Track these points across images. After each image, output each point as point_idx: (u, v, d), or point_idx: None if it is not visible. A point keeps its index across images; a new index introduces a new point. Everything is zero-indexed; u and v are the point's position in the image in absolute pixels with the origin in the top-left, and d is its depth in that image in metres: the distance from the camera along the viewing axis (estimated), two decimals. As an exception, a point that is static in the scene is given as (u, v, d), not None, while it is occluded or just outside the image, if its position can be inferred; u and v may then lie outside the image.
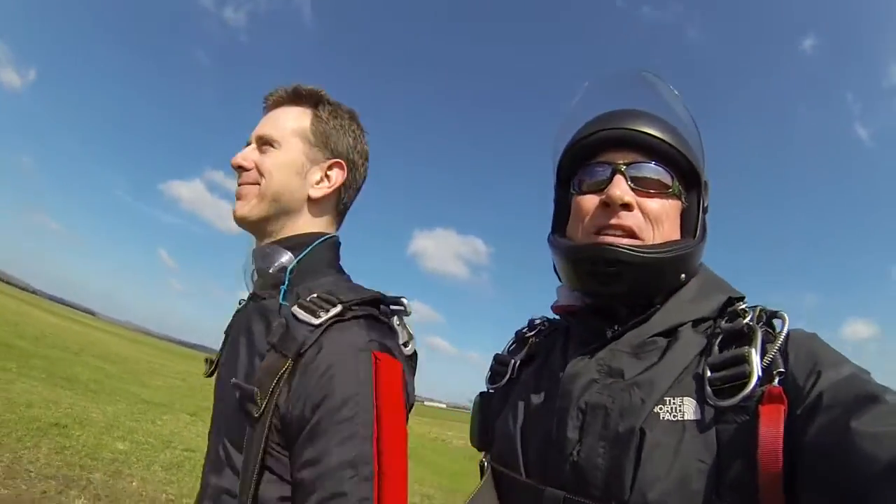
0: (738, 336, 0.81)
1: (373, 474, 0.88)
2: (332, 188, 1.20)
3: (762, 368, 0.74)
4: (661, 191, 0.92)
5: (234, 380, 1.01)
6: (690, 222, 0.96)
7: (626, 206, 0.89)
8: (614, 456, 0.77)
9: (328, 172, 1.20)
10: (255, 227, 1.17)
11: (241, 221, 1.16)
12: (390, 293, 1.12)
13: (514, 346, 1.16)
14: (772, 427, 0.68)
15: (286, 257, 1.12)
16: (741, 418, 0.73)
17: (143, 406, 11.09)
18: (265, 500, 0.92)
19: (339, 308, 0.98)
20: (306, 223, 1.18)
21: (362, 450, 0.89)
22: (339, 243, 1.24)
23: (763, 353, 0.76)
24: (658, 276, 0.90)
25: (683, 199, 0.96)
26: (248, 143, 1.20)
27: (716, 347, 0.82)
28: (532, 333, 1.14)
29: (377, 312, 1.05)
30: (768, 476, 0.66)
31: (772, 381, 0.73)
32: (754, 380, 0.73)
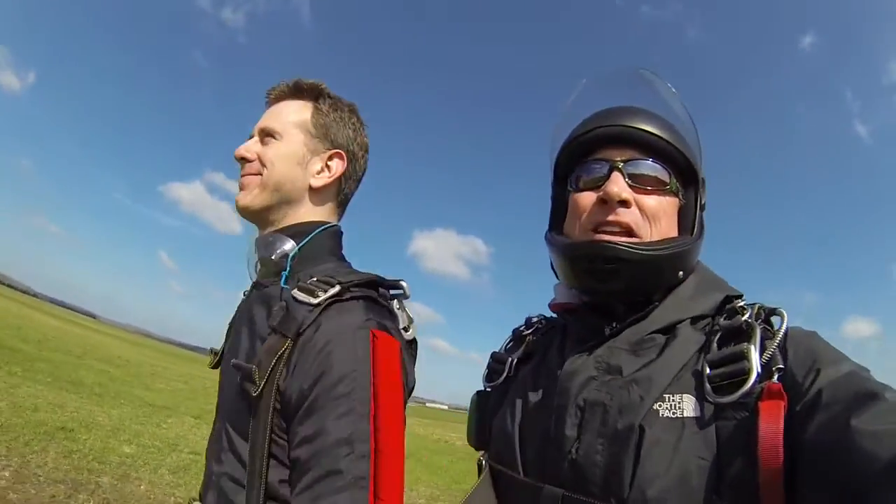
0: (736, 333, 0.82)
1: (369, 452, 0.88)
2: (333, 178, 1.23)
3: (761, 365, 0.74)
4: (658, 188, 0.93)
5: (234, 360, 1.03)
6: (688, 219, 0.97)
7: (624, 203, 0.90)
8: (613, 453, 0.78)
9: (328, 163, 1.23)
10: (258, 216, 1.20)
11: (244, 211, 1.19)
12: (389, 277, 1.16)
13: (511, 344, 1.17)
14: (772, 423, 0.68)
15: (289, 245, 1.14)
16: (741, 415, 0.73)
17: (147, 409, 11.16)
18: (268, 485, 0.94)
19: (337, 288, 1.01)
20: (308, 212, 1.22)
21: (358, 427, 0.89)
22: (342, 232, 1.28)
23: (762, 350, 0.77)
24: (656, 273, 0.91)
25: (681, 197, 0.97)
26: (251, 136, 1.24)
27: (714, 344, 0.82)
28: (529, 332, 1.15)
29: (376, 294, 1.08)
30: (769, 473, 0.67)
31: (771, 377, 0.73)
32: (753, 376, 0.73)
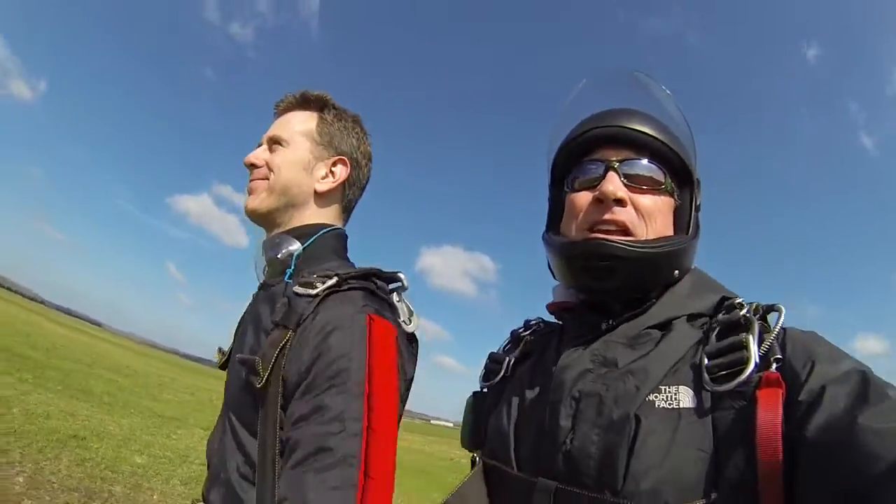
0: (734, 326, 0.83)
1: (361, 431, 0.90)
2: (337, 183, 1.30)
3: (759, 356, 0.75)
4: (653, 187, 0.96)
5: (239, 355, 1.08)
6: (684, 219, 1.00)
7: (620, 202, 0.92)
8: (608, 444, 0.78)
9: (333, 169, 1.30)
10: (265, 218, 1.27)
11: (252, 214, 1.27)
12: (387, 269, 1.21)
13: (509, 345, 1.18)
14: (770, 411, 0.69)
15: (294, 245, 1.20)
16: (738, 404, 0.74)
17: (157, 420, 11.32)
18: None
19: (335, 280, 1.07)
20: (313, 215, 1.28)
21: (351, 406, 0.91)
22: (346, 236, 1.34)
23: (760, 342, 0.77)
24: (651, 271, 0.93)
25: (676, 197, 0.99)
26: (260, 145, 1.32)
27: (713, 338, 0.83)
28: (528, 333, 1.16)
29: (374, 287, 1.12)
30: (767, 464, 0.68)
31: (769, 367, 0.74)
32: (752, 365, 0.74)
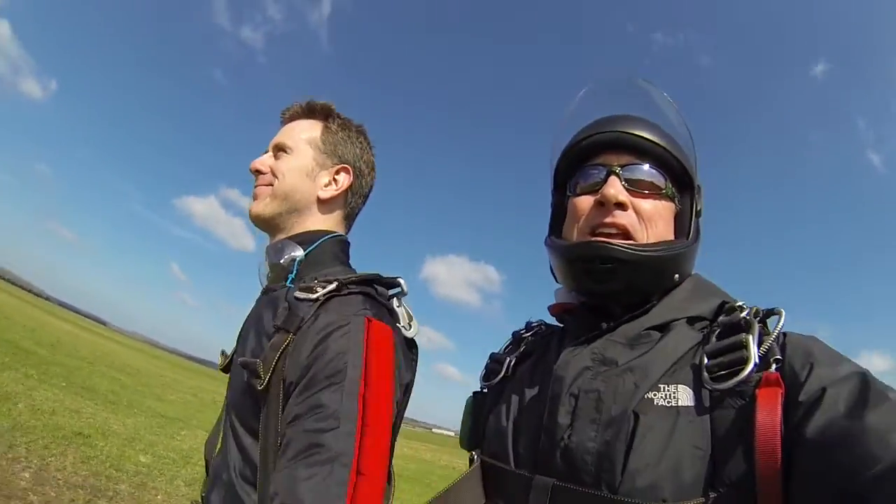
0: (735, 328, 0.84)
1: (355, 430, 0.91)
2: (340, 191, 1.34)
3: (759, 356, 0.76)
4: (654, 192, 0.98)
5: (240, 359, 1.10)
6: (684, 225, 1.02)
7: (621, 206, 0.95)
8: (606, 440, 0.79)
9: (336, 176, 1.35)
10: (269, 223, 1.31)
11: (256, 218, 1.31)
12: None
13: (510, 346, 1.21)
14: (769, 410, 0.70)
15: (297, 251, 1.24)
16: (738, 403, 0.75)
17: (160, 420, 11.37)
18: None
19: (335, 285, 1.10)
20: (315, 221, 1.32)
21: (346, 405, 0.93)
22: (348, 242, 1.37)
23: (760, 343, 0.78)
24: (652, 274, 0.95)
25: (677, 202, 1.02)
26: (266, 152, 1.37)
27: (713, 338, 0.85)
28: (529, 334, 1.19)
29: (374, 292, 1.15)
30: (766, 462, 0.68)
31: (768, 367, 0.75)
32: (751, 364, 0.75)
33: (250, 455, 1.03)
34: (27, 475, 5.25)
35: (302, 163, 1.32)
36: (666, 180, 0.99)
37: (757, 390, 0.73)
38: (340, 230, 1.37)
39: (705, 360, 0.81)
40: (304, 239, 1.27)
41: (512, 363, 1.11)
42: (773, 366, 0.75)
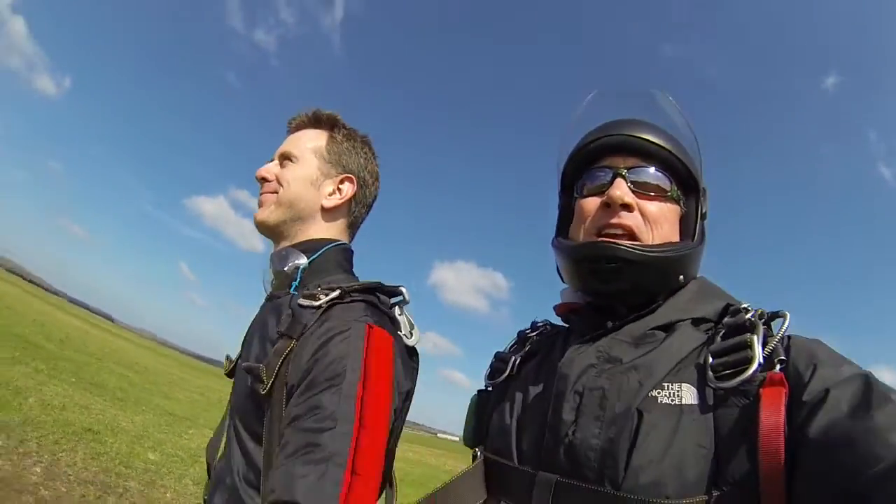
0: (740, 329, 0.86)
1: (351, 431, 0.93)
2: (343, 200, 1.38)
3: (763, 356, 0.78)
4: (660, 194, 1.00)
5: (244, 364, 1.13)
6: (689, 227, 1.04)
7: (627, 207, 0.97)
8: (610, 437, 0.80)
9: (339, 186, 1.38)
10: (273, 231, 1.35)
11: (261, 226, 1.35)
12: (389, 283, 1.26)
13: (515, 345, 1.22)
14: (773, 410, 0.71)
15: (301, 259, 1.27)
16: (742, 402, 0.76)
17: (168, 418, 11.50)
18: None
19: (338, 292, 1.13)
20: (319, 229, 1.35)
21: (343, 407, 0.95)
22: (352, 251, 1.41)
23: (764, 344, 0.80)
24: (657, 275, 0.97)
25: (682, 205, 1.04)
26: (272, 160, 1.40)
27: (718, 338, 0.87)
28: (534, 334, 1.21)
29: (376, 300, 1.18)
30: (769, 461, 0.69)
31: (773, 368, 0.76)
32: (755, 364, 0.76)
33: (254, 459, 1.06)
34: (38, 470, 5.35)
35: (307, 172, 1.35)
36: (671, 183, 1.02)
37: (761, 390, 0.74)
38: (344, 238, 1.40)
39: (710, 360, 0.83)
40: (307, 247, 1.30)
41: (517, 362, 1.13)
42: (778, 366, 0.77)
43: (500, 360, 1.17)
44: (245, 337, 1.33)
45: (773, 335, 0.81)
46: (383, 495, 1.19)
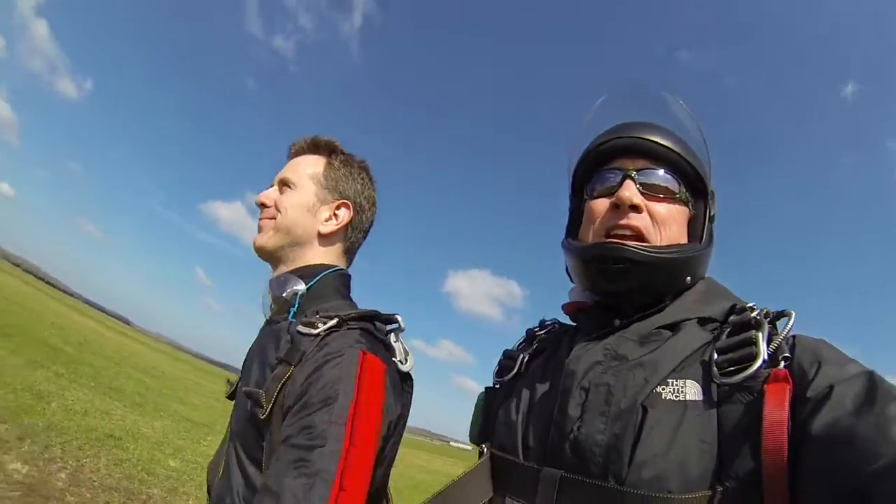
0: (745, 326, 0.87)
1: (340, 451, 0.97)
2: (340, 226, 1.42)
3: (768, 353, 0.79)
4: (668, 196, 1.02)
5: (244, 388, 1.18)
6: (698, 229, 1.06)
7: (635, 208, 0.99)
8: (615, 432, 0.82)
9: (336, 212, 1.43)
10: (271, 256, 1.40)
11: (259, 250, 1.40)
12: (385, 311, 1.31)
13: (523, 343, 1.25)
14: (777, 406, 0.72)
15: (299, 285, 1.31)
16: (746, 398, 0.78)
17: (186, 424, 11.74)
18: None
19: (335, 321, 1.16)
20: (316, 255, 1.40)
21: (333, 428, 0.99)
22: (349, 276, 1.45)
23: (769, 341, 0.81)
24: (665, 276, 0.99)
25: (691, 207, 1.06)
26: (272, 185, 1.46)
27: (724, 336, 0.88)
28: (543, 332, 1.23)
29: (372, 328, 1.22)
30: (772, 457, 0.71)
31: (777, 365, 0.78)
32: (760, 360, 0.78)
33: (253, 482, 1.10)
34: (63, 476, 5.53)
35: (304, 198, 1.40)
36: (680, 185, 1.04)
37: (765, 386, 0.76)
38: (341, 264, 1.45)
39: (715, 356, 0.84)
40: (305, 272, 1.35)
41: (525, 360, 1.15)
42: (782, 363, 0.78)
43: (508, 358, 1.20)
44: (245, 361, 1.37)
45: (777, 333, 0.83)
46: None
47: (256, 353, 1.30)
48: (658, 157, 1.04)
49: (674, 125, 1.11)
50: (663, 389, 0.84)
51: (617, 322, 0.99)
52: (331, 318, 1.17)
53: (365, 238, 1.53)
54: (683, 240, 1.04)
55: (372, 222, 1.53)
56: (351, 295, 1.41)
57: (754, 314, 0.88)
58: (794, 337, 0.83)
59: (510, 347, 1.26)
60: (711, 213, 1.08)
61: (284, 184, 1.43)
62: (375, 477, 1.11)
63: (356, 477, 0.99)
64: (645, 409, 0.82)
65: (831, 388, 0.71)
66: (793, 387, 0.74)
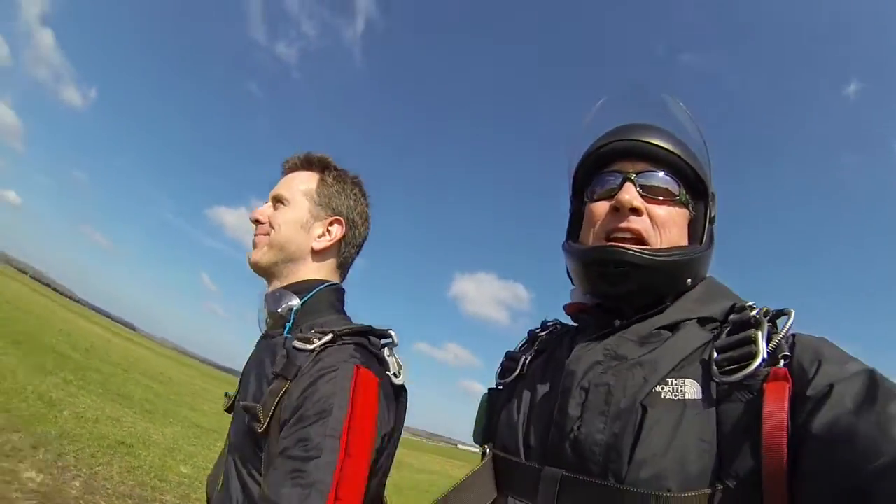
0: (745, 325, 0.88)
1: (335, 462, 1.00)
2: (332, 242, 1.45)
3: (768, 352, 0.79)
4: (668, 198, 1.03)
5: (242, 402, 1.20)
6: (698, 231, 1.07)
7: (635, 211, 1.00)
8: (614, 432, 0.83)
9: (329, 228, 1.45)
10: (266, 272, 1.43)
11: (254, 266, 1.43)
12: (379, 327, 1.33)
13: (525, 344, 1.26)
14: (776, 404, 0.72)
15: (294, 301, 1.34)
16: (745, 396, 0.78)
17: (196, 430, 11.83)
18: None
19: (330, 336, 1.19)
20: (309, 271, 1.43)
21: (328, 441, 1.02)
22: (343, 290, 1.48)
23: (769, 340, 0.81)
24: (665, 278, 0.99)
25: (691, 209, 1.07)
26: (266, 202, 1.49)
27: (724, 335, 0.89)
28: (544, 333, 1.24)
29: (366, 342, 1.25)
30: (772, 456, 0.71)
31: (777, 363, 0.78)
32: (759, 359, 0.78)
33: (252, 494, 1.12)
34: (77, 484, 5.57)
35: (297, 215, 1.43)
36: (680, 187, 1.04)
37: (764, 384, 0.76)
38: (335, 279, 1.47)
39: (715, 355, 0.85)
40: (299, 288, 1.38)
41: (527, 361, 1.17)
42: (782, 362, 0.78)
43: (510, 360, 1.21)
44: (242, 374, 1.40)
45: (777, 332, 0.83)
46: None
47: (254, 366, 1.33)
48: (658, 159, 1.04)
49: (673, 126, 1.12)
50: (663, 389, 0.84)
51: (617, 323, 1.00)
52: (325, 333, 1.20)
53: (358, 252, 1.56)
54: (684, 242, 1.04)
55: (365, 237, 1.56)
56: (345, 308, 1.44)
57: (754, 313, 0.89)
58: (794, 335, 0.84)
59: (512, 349, 1.27)
60: (712, 215, 1.09)
61: (278, 200, 1.46)
62: (370, 487, 1.13)
63: (351, 487, 1.02)
64: (644, 409, 0.83)
65: (832, 386, 0.71)
66: (793, 385, 0.75)
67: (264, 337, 1.39)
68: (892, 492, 0.58)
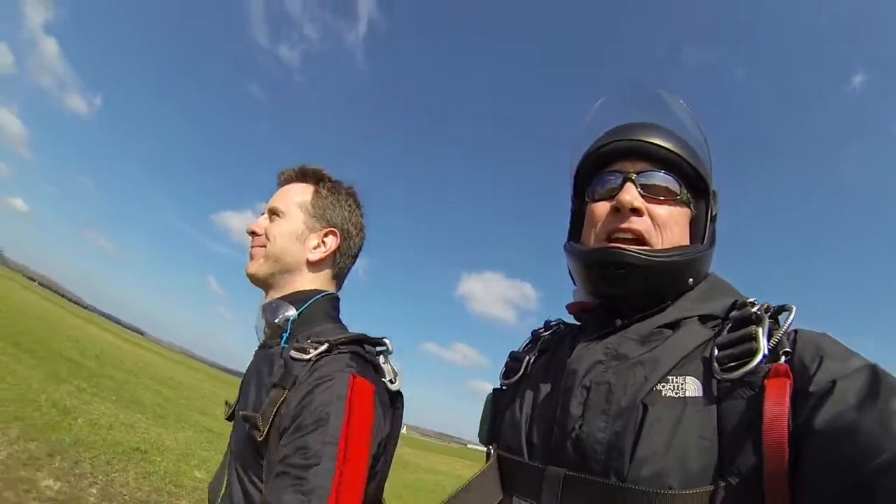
0: (746, 321, 0.88)
1: (334, 469, 1.03)
2: (327, 253, 1.48)
3: (769, 348, 0.79)
4: (669, 198, 1.02)
5: (242, 412, 1.23)
6: (699, 230, 1.06)
7: (636, 211, 0.99)
8: (616, 430, 0.83)
9: (324, 239, 1.49)
10: (262, 283, 1.47)
11: (251, 278, 1.47)
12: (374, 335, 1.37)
13: (528, 344, 1.27)
14: (777, 400, 0.72)
15: (290, 311, 1.37)
16: (746, 393, 0.78)
17: (209, 435, 11.88)
18: None
19: (326, 346, 1.23)
20: (305, 281, 1.46)
21: (327, 449, 1.05)
22: (338, 299, 1.52)
23: (770, 336, 0.81)
24: (666, 278, 0.99)
25: (692, 208, 1.06)
26: (263, 214, 1.52)
27: (725, 332, 0.89)
28: (547, 333, 1.25)
29: (362, 350, 1.29)
30: (773, 452, 0.71)
31: (778, 360, 0.78)
32: (760, 356, 0.78)
33: (254, 501, 1.16)
34: (94, 491, 5.65)
35: (292, 227, 1.46)
36: (681, 186, 1.04)
37: (765, 381, 0.76)
38: (330, 289, 1.51)
39: (716, 352, 0.85)
40: (296, 298, 1.41)
41: (531, 361, 1.17)
42: (783, 358, 0.78)
43: (514, 360, 1.22)
44: (241, 384, 1.44)
45: (779, 328, 0.83)
46: None
47: (253, 375, 1.36)
48: (658, 158, 1.04)
49: (674, 125, 1.12)
50: (663, 387, 0.85)
51: (618, 322, 1.01)
52: (321, 343, 1.23)
53: (354, 262, 1.59)
54: (685, 241, 1.04)
55: (360, 247, 1.60)
56: (340, 317, 1.48)
57: (755, 309, 0.89)
58: (795, 331, 0.83)
59: (516, 349, 1.28)
60: (713, 213, 1.08)
61: (274, 212, 1.49)
62: (368, 492, 1.16)
63: (350, 493, 1.05)
64: (645, 407, 0.83)
65: (834, 382, 0.71)
66: (794, 381, 0.75)
67: (262, 347, 1.43)
68: (895, 488, 0.59)
